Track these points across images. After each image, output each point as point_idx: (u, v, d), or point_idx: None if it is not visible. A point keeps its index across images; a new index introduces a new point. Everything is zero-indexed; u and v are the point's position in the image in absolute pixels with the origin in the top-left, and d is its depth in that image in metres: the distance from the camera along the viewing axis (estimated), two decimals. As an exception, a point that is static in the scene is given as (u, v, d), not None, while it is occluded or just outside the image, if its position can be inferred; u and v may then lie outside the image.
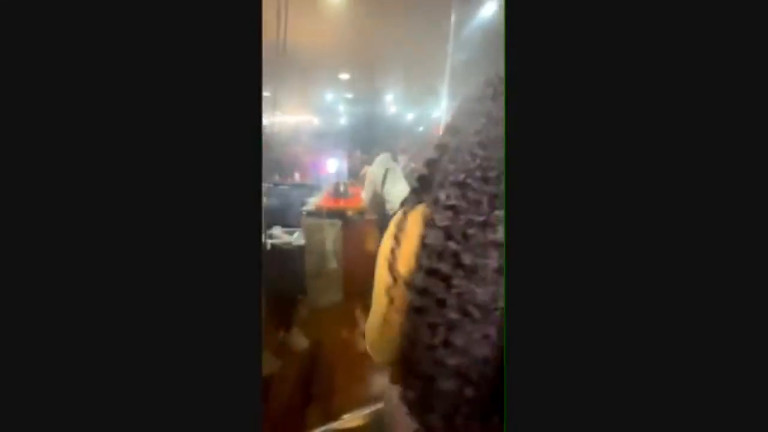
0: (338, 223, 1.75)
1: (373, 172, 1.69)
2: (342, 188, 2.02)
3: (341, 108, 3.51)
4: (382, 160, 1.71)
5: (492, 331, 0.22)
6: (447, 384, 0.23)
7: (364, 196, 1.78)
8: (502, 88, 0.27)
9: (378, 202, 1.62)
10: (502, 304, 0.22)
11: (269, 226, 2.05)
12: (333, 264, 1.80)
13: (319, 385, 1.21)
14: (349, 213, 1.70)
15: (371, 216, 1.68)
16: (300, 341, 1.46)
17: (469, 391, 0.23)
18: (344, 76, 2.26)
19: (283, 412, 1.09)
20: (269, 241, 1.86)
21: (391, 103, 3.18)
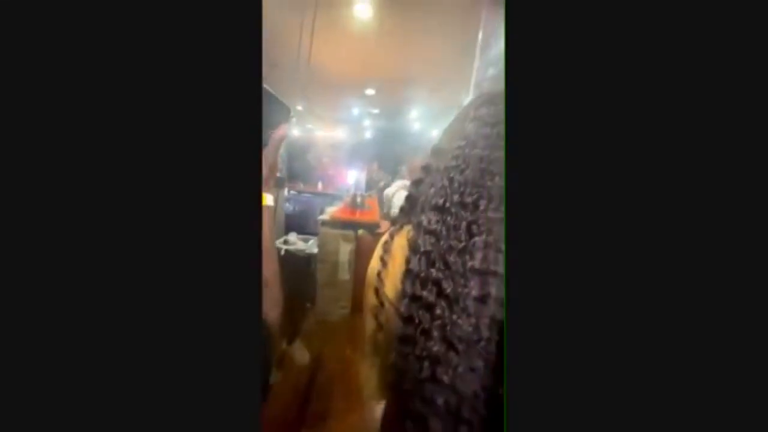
0: (352, 234, 1.74)
1: (388, 192, 1.74)
2: (359, 200, 2.03)
3: (367, 122, 3.63)
4: (399, 183, 1.76)
5: (478, 364, 0.22)
6: (438, 425, 0.22)
7: (383, 210, 1.82)
8: (484, 110, 0.28)
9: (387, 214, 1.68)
10: (486, 334, 0.22)
11: (287, 232, 2.11)
12: (345, 275, 1.78)
13: (315, 405, 1.15)
14: (360, 231, 1.70)
15: (383, 229, 1.67)
16: (302, 356, 1.42)
17: (464, 430, 0.22)
18: (370, 91, 2.35)
19: (275, 429, 1.04)
20: (283, 247, 1.91)
21: (416, 119, 3.22)
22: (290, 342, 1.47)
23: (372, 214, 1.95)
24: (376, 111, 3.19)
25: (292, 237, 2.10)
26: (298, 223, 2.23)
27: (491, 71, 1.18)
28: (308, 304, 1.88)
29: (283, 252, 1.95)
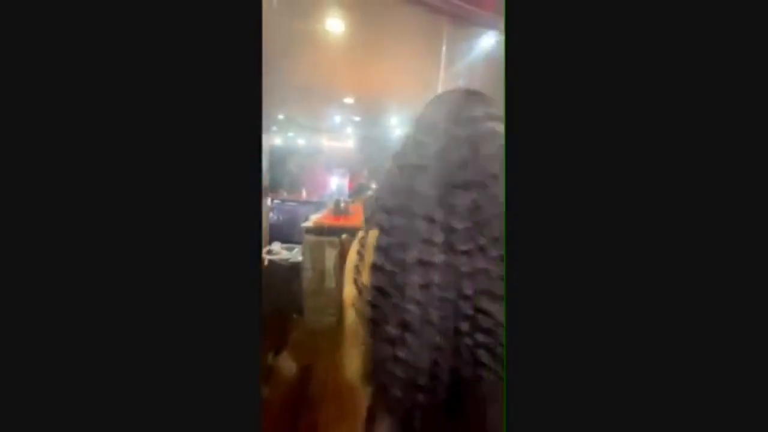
0: (338, 240, 1.74)
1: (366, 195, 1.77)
2: (342, 205, 2.04)
3: (349, 130, 3.67)
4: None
5: (434, 340, 0.24)
6: (397, 392, 0.25)
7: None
8: (422, 137, 0.31)
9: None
10: (435, 315, 0.25)
11: (271, 242, 2.08)
12: (331, 283, 1.77)
13: (307, 416, 1.14)
14: (343, 236, 1.72)
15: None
16: (288, 367, 1.39)
17: (421, 397, 0.24)
18: (348, 100, 2.40)
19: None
20: (267, 257, 1.87)
21: (396, 126, 3.31)
22: (277, 354, 1.44)
23: (356, 219, 1.96)
24: (357, 119, 3.24)
25: (276, 246, 2.07)
26: (282, 233, 2.20)
27: (461, 83, 1.25)
28: (295, 315, 1.84)
29: (266, 262, 1.91)
